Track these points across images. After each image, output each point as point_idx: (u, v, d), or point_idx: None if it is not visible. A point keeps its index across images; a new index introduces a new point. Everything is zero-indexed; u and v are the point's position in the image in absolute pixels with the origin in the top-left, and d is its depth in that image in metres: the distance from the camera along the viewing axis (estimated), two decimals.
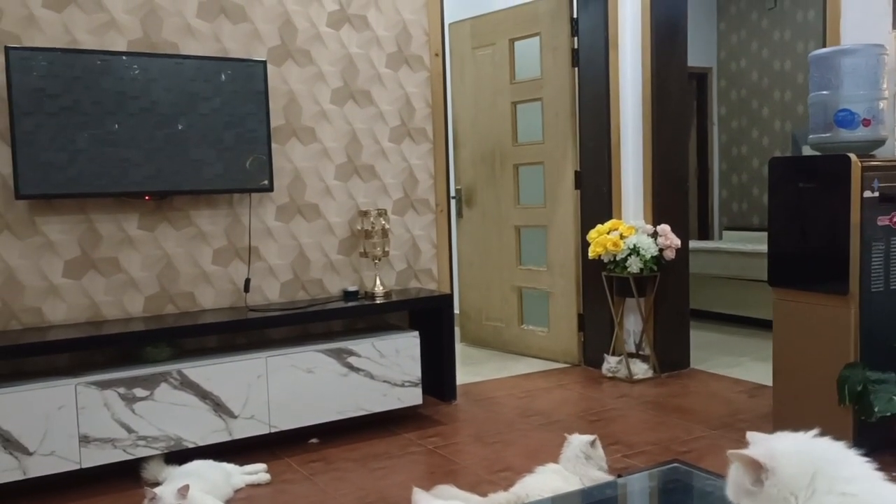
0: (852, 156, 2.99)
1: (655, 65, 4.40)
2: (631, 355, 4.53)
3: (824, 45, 3.51)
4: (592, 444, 2.68)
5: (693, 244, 5.89)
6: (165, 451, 3.08)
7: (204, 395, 3.17)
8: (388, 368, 3.58)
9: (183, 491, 2.49)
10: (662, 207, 4.48)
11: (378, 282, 3.82)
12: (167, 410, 3.09)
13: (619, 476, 2.79)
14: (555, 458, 2.77)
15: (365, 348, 3.53)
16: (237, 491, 2.93)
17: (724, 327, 5.81)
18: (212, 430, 3.18)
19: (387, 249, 3.85)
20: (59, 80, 3.07)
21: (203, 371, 3.17)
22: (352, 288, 3.79)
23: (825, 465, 1.28)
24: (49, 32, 3.19)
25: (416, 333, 3.67)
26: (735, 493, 1.36)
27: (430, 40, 4.10)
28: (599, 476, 2.66)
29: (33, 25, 3.16)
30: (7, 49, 2.98)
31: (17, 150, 3.01)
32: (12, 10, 3.12)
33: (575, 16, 4.67)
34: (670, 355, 4.55)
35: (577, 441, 2.71)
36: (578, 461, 2.67)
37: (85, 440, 2.94)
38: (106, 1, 3.29)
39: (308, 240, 3.80)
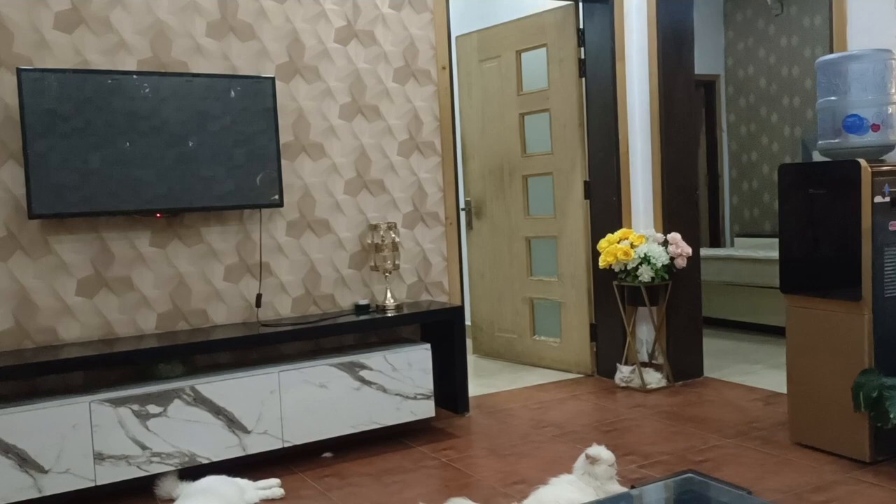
0: (862, 161, 2.98)
1: (662, 73, 4.40)
2: (644, 365, 4.51)
3: (831, 51, 3.50)
4: (593, 460, 2.66)
5: (704, 252, 5.88)
6: (179, 468, 3.09)
7: (217, 411, 3.18)
8: (400, 381, 3.58)
9: None
10: (673, 215, 4.47)
11: (389, 295, 3.83)
12: (181, 427, 3.10)
13: (634, 487, 2.78)
14: (569, 470, 2.76)
15: (377, 362, 3.53)
16: None
17: (737, 335, 5.78)
18: (225, 446, 3.19)
19: (397, 263, 3.86)
20: (71, 100, 3.10)
21: (216, 387, 3.18)
22: (363, 302, 3.80)
23: None
24: (60, 54, 3.22)
25: (428, 346, 3.67)
26: None
27: (437, 54, 4.12)
28: (613, 488, 2.64)
29: (44, 48, 3.20)
30: (19, 71, 3.02)
31: (29, 170, 3.04)
32: (24, 33, 3.16)
33: (581, 26, 4.68)
34: (684, 364, 4.53)
35: (584, 455, 2.70)
36: (582, 474, 2.67)
37: (99, 458, 2.95)
38: (115, 22, 3.33)
39: (318, 255, 3.81)
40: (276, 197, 3.53)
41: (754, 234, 7.24)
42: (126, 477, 3.00)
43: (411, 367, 3.60)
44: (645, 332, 4.59)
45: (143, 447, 3.03)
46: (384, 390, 3.54)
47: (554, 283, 4.94)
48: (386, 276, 3.90)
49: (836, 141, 3.19)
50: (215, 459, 3.16)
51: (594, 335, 4.75)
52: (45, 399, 2.95)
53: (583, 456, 2.70)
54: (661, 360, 4.48)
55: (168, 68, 3.42)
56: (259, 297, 3.62)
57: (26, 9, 3.16)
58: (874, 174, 2.96)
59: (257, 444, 3.26)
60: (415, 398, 3.62)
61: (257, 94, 3.46)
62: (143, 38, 3.38)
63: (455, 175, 4.21)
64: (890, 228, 3.00)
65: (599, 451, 2.67)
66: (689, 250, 4.30)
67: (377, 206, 3.97)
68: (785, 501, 2.74)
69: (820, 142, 3.28)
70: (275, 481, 3.09)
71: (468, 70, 5.38)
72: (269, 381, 3.29)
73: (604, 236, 4.45)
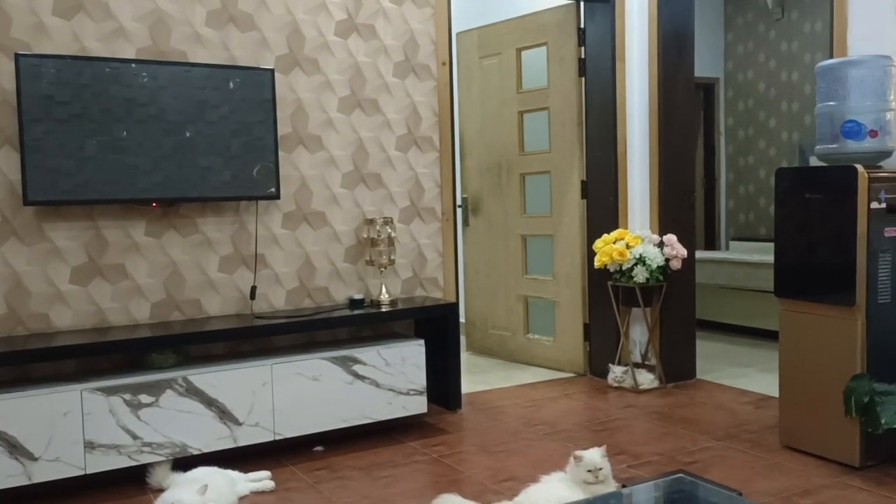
0: (859, 167, 2.99)
1: (662, 75, 4.40)
2: (637, 365, 4.51)
3: (831, 57, 3.51)
4: (577, 460, 2.66)
5: (699, 254, 5.88)
6: (170, 458, 3.08)
7: (209, 402, 3.17)
8: (393, 377, 3.58)
9: (202, 490, 2.56)
10: (669, 217, 4.47)
11: (384, 290, 3.82)
12: (172, 417, 3.09)
13: (624, 486, 2.78)
14: (560, 468, 2.76)
15: (370, 356, 3.52)
16: (242, 498, 2.93)
17: (730, 338, 5.79)
18: (216, 437, 3.18)
19: (393, 258, 3.85)
20: (68, 87, 3.09)
21: (208, 378, 3.17)
22: (357, 296, 3.80)
23: None
24: (58, 40, 3.21)
25: (422, 342, 3.67)
26: None
27: (438, 49, 4.12)
28: (600, 490, 2.65)
29: (42, 33, 3.18)
30: (17, 56, 3.00)
31: (25, 156, 3.03)
32: (22, 18, 3.14)
33: (582, 26, 4.68)
34: (676, 365, 4.53)
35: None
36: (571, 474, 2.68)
37: (90, 446, 2.94)
38: (114, 9, 3.31)
39: (314, 248, 3.81)
40: (273, 189, 3.52)
41: (749, 237, 7.25)
42: (116, 466, 2.99)
43: (404, 362, 3.60)
44: (638, 333, 4.60)
45: (134, 436, 3.02)
46: (377, 385, 3.54)
47: (549, 281, 4.95)
48: (381, 271, 3.90)
49: (834, 146, 3.20)
50: (206, 450, 3.16)
51: (587, 335, 4.76)
52: (37, 386, 2.94)
53: (571, 457, 2.69)
54: (653, 360, 4.49)
55: (167, 56, 3.41)
56: (254, 289, 3.61)
57: None
58: (871, 180, 2.97)
59: (249, 436, 3.25)
60: (407, 394, 3.61)
61: (256, 86, 3.45)
62: (142, 26, 3.37)
63: (452, 171, 4.21)
64: (885, 234, 3.01)
65: (585, 453, 2.66)
66: (684, 252, 4.31)
67: (374, 200, 3.96)
68: None
69: (818, 147, 3.28)
70: (265, 473, 3.09)
71: (468, 66, 5.38)
72: (262, 373, 3.28)
73: (600, 236, 4.45)
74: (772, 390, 4.15)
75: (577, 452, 2.66)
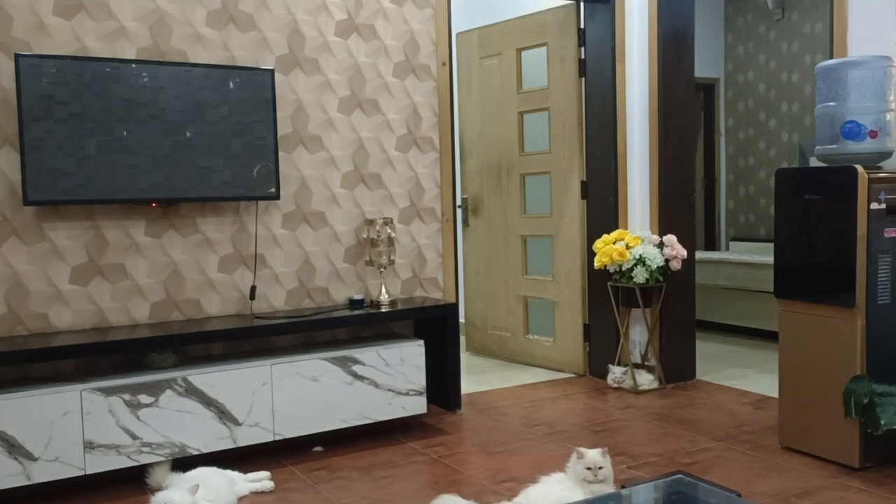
0: (859, 168, 2.99)
1: (662, 75, 4.40)
2: (636, 366, 4.51)
3: (831, 57, 3.51)
4: (580, 455, 2.66)
5: (699, 255, 5.89)
6: (170, 458, 3.08)
7: (209, 403, 3.17)
8: (392, 377, 3.58)
9: (193, 490, 2.54)
10: (669, 218, 4.47)
11: (383, 290, 3.82)
12: (172, 417, 3.09)
13: (623, 487, 2.78)
14: (559, 468, 2.76)
15: (370, 357, 3.52)
16: (241, 499, 2.93)
17: (729, 338, 5.79)
18: (216, 438, 3.18)
19: (392, 258, 3.85)
20: (69, 87, 3.09)
21: (208, 378, 3.17)
22: (357, 296, 3.80)
23: None
24: (59, 39, 3.21)
25: (422, 342, 3.67)
26: None
27: (438, 50, 4.12)
28: (602, 489, 2.65)
29: (43, 33, 3.18)
30: (17, 56, 3.00)
31: (25, 156, 3.02)
32: (22, 18, 3.14)
33: (582, 26, 4.68)
34: (676, 366, 4.53)
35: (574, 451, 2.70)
36: (572, 474, 2.67)
37: (89, 446, 2.94)
38: (115, 9, 3.31)
39: (314, 248, 3.81)
40: (273, 189, 3.52)
41: (749, 238, 7.25)
42: (116, 466, 2.99)
43: (404, 362, 3.60)
44: (638, 334, 4.60)
45: (134, 437, 3.02)
46: (376, 385, 3.54)
47: (549, 282, 4.95)
48: (381, 272, 3.90)
49: (834, 147, 3.20)
50: (206, 451, 3.16)
51: (587, 335, 4.76)
52: (36, 386, 2.94)
53: (574, 452, 2.69)
54: (653, 361, 4.49)
55: (167, 56, 3.41)
56: (253, 289, 3.61)
57: None
58: (871, 181, 2.97)
59: (248, 437, 3.25)
60: (407, 394, 3.61)
61: (256, 86, 3.45)
62: (142, 26, 3.37)
63: (452, 171, 4.21)
64: (885, 235, 3.01)
65: (588, 451, 2.66)
66: (684, 253, 4.31)
67: (374, 201, 3.96)
68: None
69: (817, 147, 3.28)
70: (264, 474, 3.09)
71: (468, 67, 5.38)
72: (262, 373, 3.28)
73: (600, 237, 4.45)
74: (771, 391, 4.15)
75: (580, 449, 2.66)
